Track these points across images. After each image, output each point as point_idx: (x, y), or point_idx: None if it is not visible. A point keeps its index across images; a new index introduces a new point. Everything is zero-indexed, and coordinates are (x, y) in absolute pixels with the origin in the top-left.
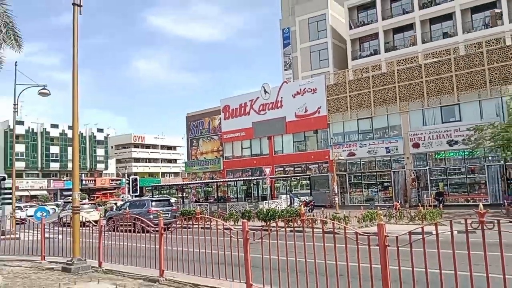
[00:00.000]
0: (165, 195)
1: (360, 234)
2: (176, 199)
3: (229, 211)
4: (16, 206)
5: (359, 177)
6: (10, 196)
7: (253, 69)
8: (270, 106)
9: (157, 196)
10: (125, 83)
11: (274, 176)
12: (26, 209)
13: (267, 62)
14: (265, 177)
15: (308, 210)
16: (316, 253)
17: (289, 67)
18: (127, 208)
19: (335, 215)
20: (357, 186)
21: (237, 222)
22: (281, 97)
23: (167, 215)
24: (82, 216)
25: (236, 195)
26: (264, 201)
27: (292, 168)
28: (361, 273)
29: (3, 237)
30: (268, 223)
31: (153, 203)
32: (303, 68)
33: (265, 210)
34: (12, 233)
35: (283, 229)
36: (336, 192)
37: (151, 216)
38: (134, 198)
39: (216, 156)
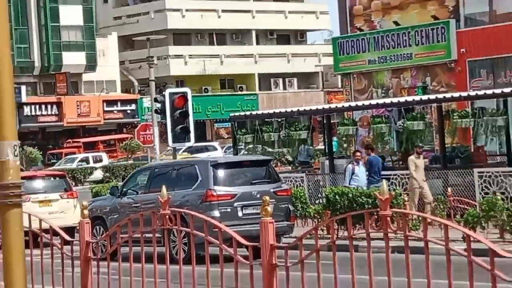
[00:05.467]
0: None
1: None
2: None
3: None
4: None
5: None
6: None
7: None
8: None
9: (250, 150)
10: None
11: None
12: None
13: None
14: None
15: None
16: None
17: None
18: (148, 188)
19: None
20: None
21: None
22: None
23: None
24: (30, 215)
25: (502, 144)
26: None
27: None
28: None
29: None
30: None
31: (220, 173)
32: None
33: None
34: None
35: None
36: None
37: (216, 213)
38: (162, 161)
39: (436, 17)
